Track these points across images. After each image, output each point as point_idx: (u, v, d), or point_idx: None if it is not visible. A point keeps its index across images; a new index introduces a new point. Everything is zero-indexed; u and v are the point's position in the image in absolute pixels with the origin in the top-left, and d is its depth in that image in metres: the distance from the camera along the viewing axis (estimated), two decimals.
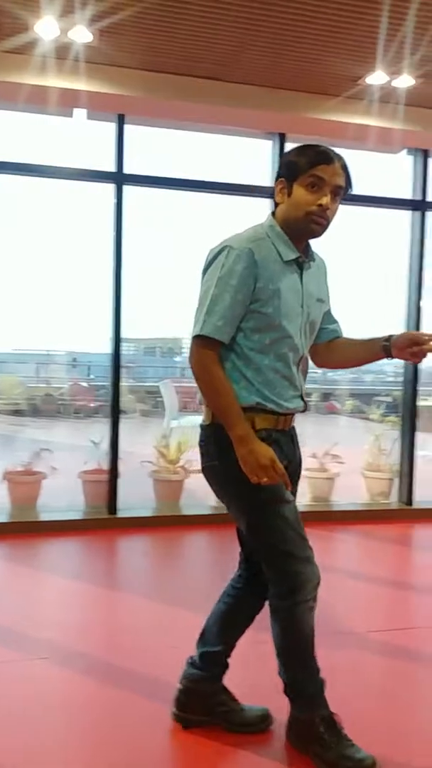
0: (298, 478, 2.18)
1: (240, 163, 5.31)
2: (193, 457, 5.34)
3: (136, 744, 2.16)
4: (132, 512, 4.93)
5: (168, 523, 4.89)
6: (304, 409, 2.10)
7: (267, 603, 2.12)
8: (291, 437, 2.11)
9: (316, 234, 2.00)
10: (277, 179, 2.01)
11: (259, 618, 2.19)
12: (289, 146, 4.98)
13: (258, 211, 5.11)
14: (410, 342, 2.02)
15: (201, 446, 2.09)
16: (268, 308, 1.95)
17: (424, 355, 2.03)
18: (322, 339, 2.22)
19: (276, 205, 2.04)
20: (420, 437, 5.57)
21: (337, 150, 1.97)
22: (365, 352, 2.16)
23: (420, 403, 5.56)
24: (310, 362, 2.25)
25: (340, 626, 3.05)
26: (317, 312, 2.11)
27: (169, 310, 6.89)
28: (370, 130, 4.80)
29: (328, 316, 2.22)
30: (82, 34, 3.85)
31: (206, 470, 2.10)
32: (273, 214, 2.05)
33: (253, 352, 1.98)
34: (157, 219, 5.86)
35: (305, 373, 2.18)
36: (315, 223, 1.96)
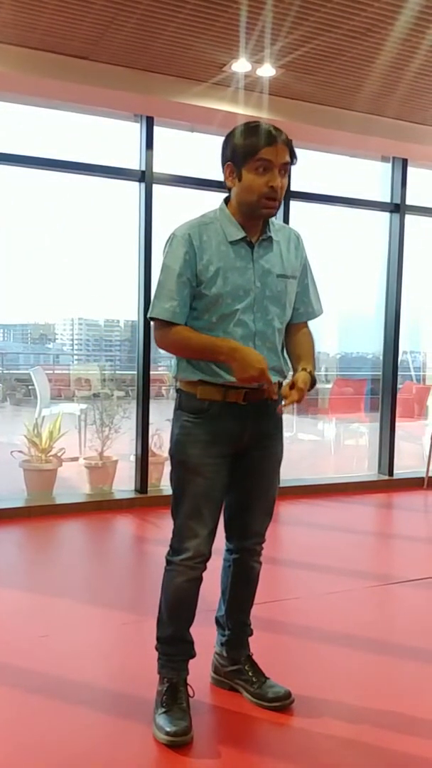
0: (270, 453, 2.23)
1: (108, 145, 5.23)
2: (65, 445, 5.25)
3: (11, 736, 2.11)
4: (2, 503, 4.77)
5: (40, 513, 4.77)
6: (260, 385, 2.10)
7: (250, 568, 2.33)
8: (248, 411, 2.12)
9: (271, 214, 2.07)
10: (224, 163, 2.06)
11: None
12: (157, 130, 5.02)
13: (127, 194, 5.11)
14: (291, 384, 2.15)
15: None
16: (212, 288, 2.04)
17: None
18: (292, 320, 2.24)
19: (228, 190, 2.10)
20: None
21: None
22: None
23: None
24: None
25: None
26: (279, 288, 2.12)
27: (40, 293, 6.70)
28: (237, 118, 4.87)
29: (299, 296, 2.23)
30: None
31: None
32: (226, 200, 2.12)
33: (203, 331, 2.07)
34: (25, 199, 5.66)
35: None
36: (267, 206, 2.03)
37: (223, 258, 2.05)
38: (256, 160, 1.98)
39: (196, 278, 2.05)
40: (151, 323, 2.13)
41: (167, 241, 2.11)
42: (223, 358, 2.01)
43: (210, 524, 2.14)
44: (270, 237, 2.13)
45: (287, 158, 2.02)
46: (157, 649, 2.23)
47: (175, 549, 2.17)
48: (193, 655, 2.23)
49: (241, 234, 2.08)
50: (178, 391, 2.20)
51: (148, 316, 2.10)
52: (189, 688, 2.20)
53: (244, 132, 2.02)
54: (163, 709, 2.13)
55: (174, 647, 2.21)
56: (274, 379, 2.16)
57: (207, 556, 2.16)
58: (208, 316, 2.07)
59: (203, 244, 2.05)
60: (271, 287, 2.11)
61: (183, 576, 2.15)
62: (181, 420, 2.15)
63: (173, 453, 2.18)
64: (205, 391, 2.10)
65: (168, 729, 2.07)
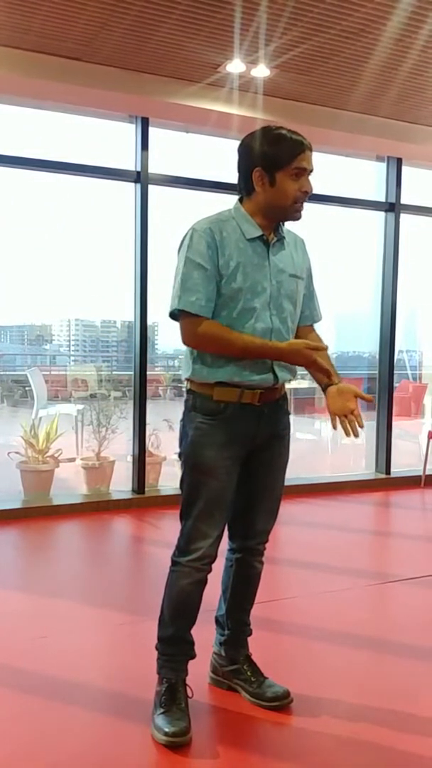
0: (278, 452, 2.26)
1: (104, 146, 5.23)
2: (62, 445, 5.25)
3: (10, 736, 2.12)
4: None
5: (37, 514, 4.77)
6: (274, 383, 2.13)
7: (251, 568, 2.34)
8: (261, 412, 2.14)
9: (300, 216, 2.12)
10: (250, 168, 2.07)
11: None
12: (152, 131, 5.02)
13: (123, 195, 5.11)
14: (345, 399, 2.10)
15: None
16: (232, 283, 2.04)
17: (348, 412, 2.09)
18: (299, 323, 2.26)
19: (247, 192, 2.11)
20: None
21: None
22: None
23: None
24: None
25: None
26: (292, 287, 2.15)
27: (37, 295, 6.71)
28: (232, 118, 4.88)
29: (305, 299, 2.26)
30: None
31: None
32: (240, 200, 2.14)
33: None
34: (21, 201, 5.67)
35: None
36: (299, 209, 2.09)
37: (242, 254, 2.06)
38: (293, 167, 2.03)
39: (218, 273, 2.04)
40: (178, 318, 2.08)
41: (186, 235, 2.09)
42: (277, 357, 2.07)
43: (220, 526, 2.15)
44: (283, 238, 2.16)
45: (313, 164, 2.08)
46: (157, 648, 2.23)
47: (182, 550, 2.16)
48: (193, 656, 2.23)
49: (258, 232, 2.09)
50: (189, 392, 2.16)
51: (175, 307, 2.05)
52: (188, 688, 2.21)
53: (276, 139, 2.04)
54: (162, 710, 2.13)
55: (175, 647, 2.21)
56: (285, 377, 2.18)
57: (213, 558, 2.16)
58: (226, 312, 2.06)
59: (224, 240, 2.05)
60: (285, 286, 2.13)
61: (188, 578, 2.15)
62: (196, 422, 2.12)
63: (187, 455, 2.15)
64: (222, 392, 2.09)
65: (167, 729, 2.07)
